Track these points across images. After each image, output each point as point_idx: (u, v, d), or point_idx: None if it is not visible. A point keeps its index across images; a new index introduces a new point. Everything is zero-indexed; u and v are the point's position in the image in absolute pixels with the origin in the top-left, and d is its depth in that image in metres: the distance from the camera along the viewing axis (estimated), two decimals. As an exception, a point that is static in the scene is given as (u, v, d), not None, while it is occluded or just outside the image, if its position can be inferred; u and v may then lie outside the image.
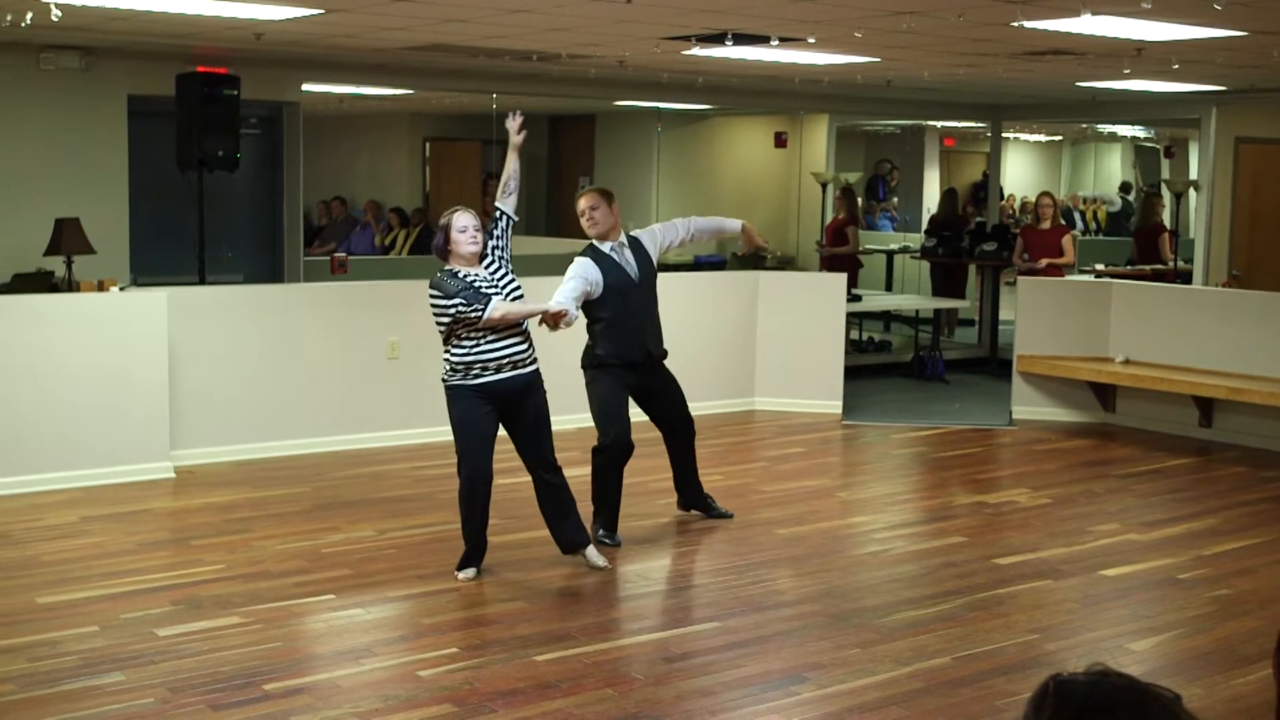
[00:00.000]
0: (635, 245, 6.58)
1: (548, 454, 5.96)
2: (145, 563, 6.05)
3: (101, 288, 7.92)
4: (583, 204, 6.53)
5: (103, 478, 7.43)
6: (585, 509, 6.35)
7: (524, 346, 5.81)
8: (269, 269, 10.73)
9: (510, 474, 7.89)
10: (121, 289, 7.98)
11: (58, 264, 8.85)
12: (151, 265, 9.74)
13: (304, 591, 5.67)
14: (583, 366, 6.58)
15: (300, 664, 4.89)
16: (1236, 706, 4.65)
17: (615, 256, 6.47)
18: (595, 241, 6.50)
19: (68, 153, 9.38)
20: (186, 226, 9.33)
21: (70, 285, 8.57)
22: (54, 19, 7.00)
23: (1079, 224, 17.52)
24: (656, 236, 6.70)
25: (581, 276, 6.31)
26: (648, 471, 7.02)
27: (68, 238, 8.76)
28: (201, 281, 9.10)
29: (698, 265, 13.72)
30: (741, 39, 7.93)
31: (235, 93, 9.12)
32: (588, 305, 6.42)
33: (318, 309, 8.55)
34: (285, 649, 5.01)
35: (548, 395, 5.97)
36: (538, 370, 5.90)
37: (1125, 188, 18.16)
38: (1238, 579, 6.19)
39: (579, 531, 6.10)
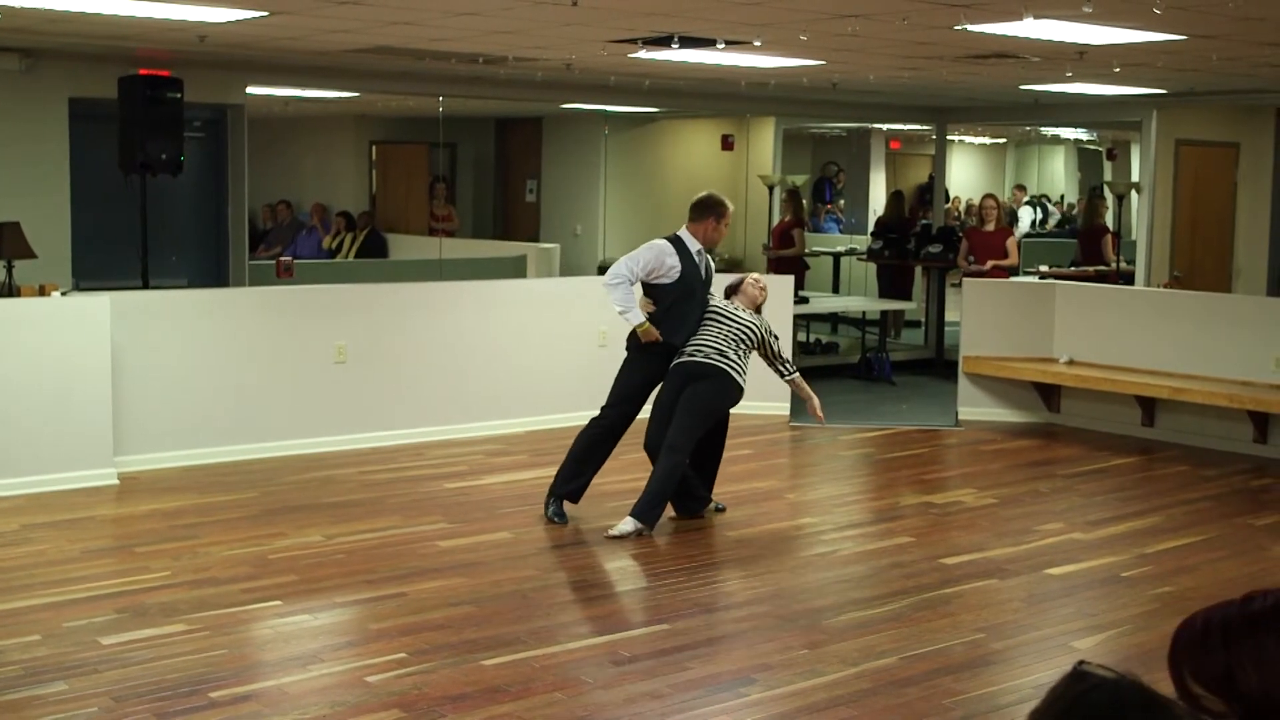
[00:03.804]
0: (704, 256, 7.03)
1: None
2: (89, 570, 5.99)
3: (43, 292, 7.82)
4: (730, 217, 7.04)
5: (46, 484, 7.34)
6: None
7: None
8: (214, 273, 10.62)
9: (459, 477, 7.88)
10: (64, 293, 7.89)
11: (-2, 268, 8.75)
12: (94, 269, 9.62)
13: (251, 598, 5.63)
14: (627, 347, 6.94)
15: (247, 671, 4.85)
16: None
17: (696, 256, 6.91)
18: (686, 240, 6.90)
19: (8, 156, 9.26)
20: (129, 230, 9.22)
21: (11, 290, 8.45)
22: (-7, 21, 6.92)
23: (1027, 222, 17.63)
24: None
25: (655, 252, 6.81)
26: (603, 474, 7.02)
27: (8, 242, 8.65)
28: (145, 286, 9.00)
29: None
30: (688, 42, 7.95)
31: (179, 95, 9.03)
32: (655, 290, 6.85)
33: (263, 313, 8.48)
34: (232, 656, 4.97)
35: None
36: None
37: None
38: (1180, 576, 6.27)
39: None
